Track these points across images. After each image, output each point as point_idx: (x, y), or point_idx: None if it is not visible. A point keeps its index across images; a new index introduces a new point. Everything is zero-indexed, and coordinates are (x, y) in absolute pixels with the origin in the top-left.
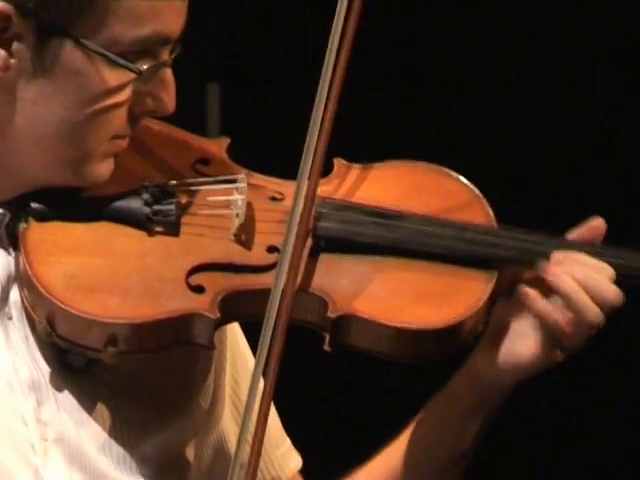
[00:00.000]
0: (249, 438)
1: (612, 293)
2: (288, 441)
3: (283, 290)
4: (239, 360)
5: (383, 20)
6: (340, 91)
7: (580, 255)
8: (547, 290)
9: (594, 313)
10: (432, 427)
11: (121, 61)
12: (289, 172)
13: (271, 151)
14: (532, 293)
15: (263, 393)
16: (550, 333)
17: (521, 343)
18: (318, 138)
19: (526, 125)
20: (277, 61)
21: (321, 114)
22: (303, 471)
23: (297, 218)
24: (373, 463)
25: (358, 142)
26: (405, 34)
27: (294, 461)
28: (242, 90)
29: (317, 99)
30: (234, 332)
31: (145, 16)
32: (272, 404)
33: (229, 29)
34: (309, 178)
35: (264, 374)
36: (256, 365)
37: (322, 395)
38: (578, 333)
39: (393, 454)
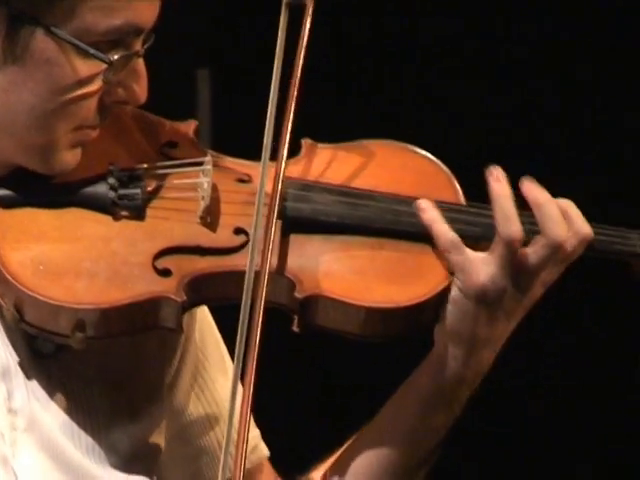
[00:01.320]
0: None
1: (586, 227)
2: (257, 431)
3: (256, 272)
4: (207, 338)
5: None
6: (303, 70)
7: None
8: None
9: (563, 231)
10: (393, 416)
11: (92, 51)
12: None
13: (261, 136)
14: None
15: (243, 380)
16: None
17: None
18: (284, 118)
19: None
20: (267, 47)
21: (276, 93)
22: (273, 462)
23: (262, 199)
24: (342, 455)
25: (326, 122)
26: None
27: (261, 450)
28: (232, 76)
29: (273, 78)
30: (202, 311)
31: (117, 6)
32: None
33: (218, 15)
34: (274, 159)
35: (244, 359)
36: (237, 352)
37: (293, 386)
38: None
39: (357, 444)
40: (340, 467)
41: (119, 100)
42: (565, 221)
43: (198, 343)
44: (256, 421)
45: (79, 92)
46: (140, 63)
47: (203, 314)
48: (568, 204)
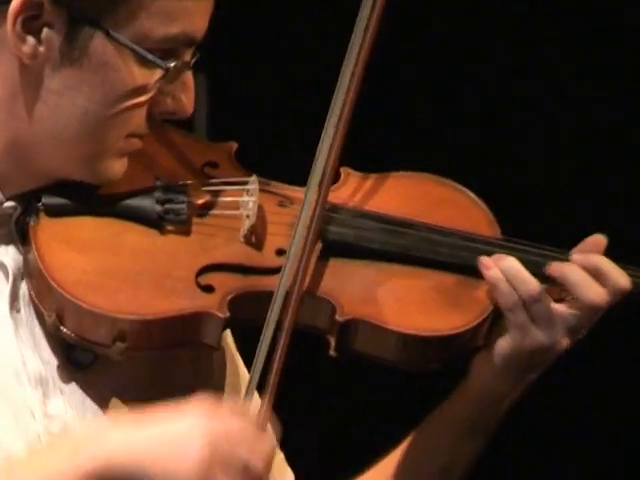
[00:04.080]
0: None
1: (623, 280)
2: (281, 455)
3: (287, 292)
4: (237, 366)
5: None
6: (357, 95)
7: None
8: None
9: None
10: (426, 443)
11: (150, 57)
12: (279, 164)
13: (259, 144)
14: (487, 261)
15: (263, 400)
16: (516, 320)
17: (500, 342)
18: (332, 143)
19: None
20: (266, 53)
21: (337, 117)
22: None
23: (306, 221)
24: (367, 475)
25: (361, 151)
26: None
27: (288, 475)
28: (230, 82)
29: (333, 103)
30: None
31: (176, 15)
32: None
33: (216, 20)
34: (319, 185)
35: (262, 381)
36: (252, 372)
37: (316, 406)
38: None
39: (386, 468)
40: None
41: (166, 111)
42: (597, 281)
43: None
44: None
45: (133, 99)
46: (189, 75)
47: (231, 345)
48: (599, 260)
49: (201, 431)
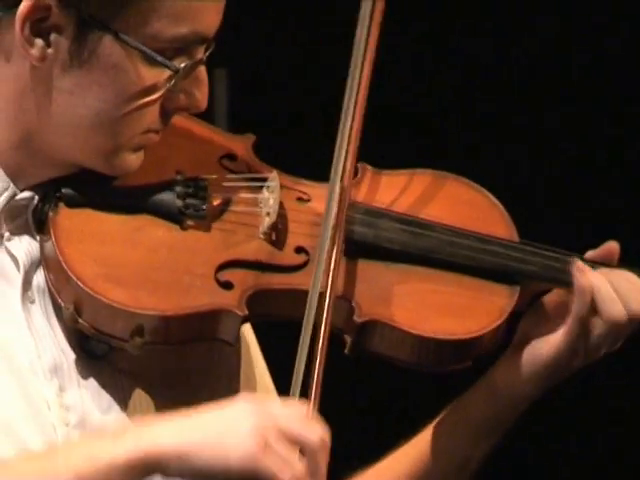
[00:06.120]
0: None
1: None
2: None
3: (320, 294)
4: (252, 357)
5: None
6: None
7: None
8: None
9: (620, 312)
10: (443, 438)
11: (159, 58)
12: (297, 160)
13: (278, 138)
14: (582, 266)
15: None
16: (579, 329)
17: (542, 347)
18: (349, 140)
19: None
20: (285, 46)
21: (351, 115)
22: None
23: (331, 221)
24: (380, 465)
25: (376, 149)
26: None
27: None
28: (250, 76)
29: (346, 100)
30: (246, 329)
31: (185, 15)
32: None
33: (236, 13)
34: (341, 181)
35: (304, 380)
36: (296, 371)
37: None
38: (604, 335)
39: (401, 459)
40: None
41: (180, 106)
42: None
43: (243, 355)
44: None
45: (144, 99)
46: (202, 70)
47: (249, 336)
48: (626, 276)
49: (251, 412)
